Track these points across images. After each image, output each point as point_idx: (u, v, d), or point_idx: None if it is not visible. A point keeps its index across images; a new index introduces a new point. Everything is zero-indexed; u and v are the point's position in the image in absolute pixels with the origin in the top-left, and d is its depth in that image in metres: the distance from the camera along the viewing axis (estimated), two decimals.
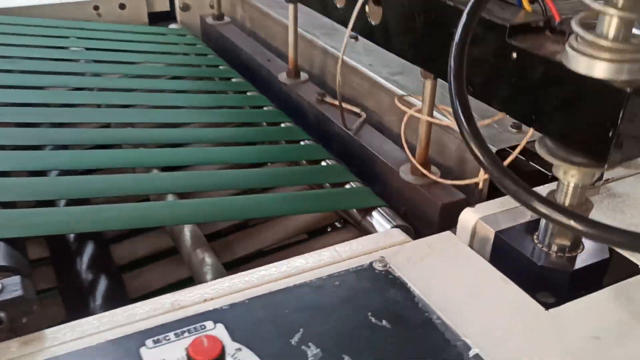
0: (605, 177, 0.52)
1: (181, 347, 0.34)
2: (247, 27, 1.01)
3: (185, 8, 1.04)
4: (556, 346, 0.36)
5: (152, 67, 0.84)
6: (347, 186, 0.59)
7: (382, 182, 0.61)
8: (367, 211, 0.55)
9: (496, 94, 0.44)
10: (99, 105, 0.71)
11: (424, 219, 0.55)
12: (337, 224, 0.61)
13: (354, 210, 0.57)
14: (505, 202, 0.48)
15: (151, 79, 0.80)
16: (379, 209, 0.55)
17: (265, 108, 0.75)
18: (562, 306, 0.39)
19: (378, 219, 0.54)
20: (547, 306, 0.39)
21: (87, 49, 0.84)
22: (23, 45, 0.81)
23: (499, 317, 0.38)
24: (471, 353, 0.34)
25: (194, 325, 0.35)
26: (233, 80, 0.82)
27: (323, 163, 0.63)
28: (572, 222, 0.32)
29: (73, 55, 0.82)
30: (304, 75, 0.80)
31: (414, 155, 0.57)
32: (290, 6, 0.74)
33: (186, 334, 0.35)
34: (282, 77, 0.80)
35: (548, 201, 0.33)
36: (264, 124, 0.71)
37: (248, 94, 0.79)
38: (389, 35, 0.55)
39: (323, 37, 0.82)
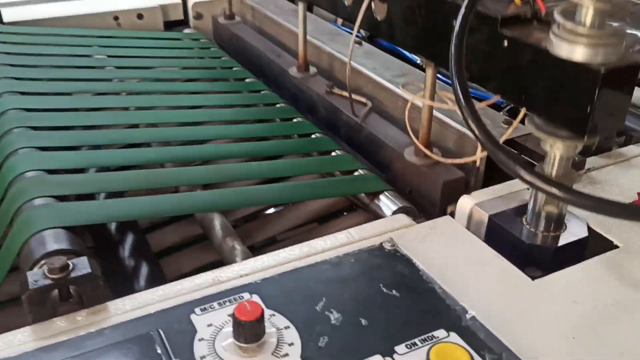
0: (587, 166, 0.59)
1: (224, 314, 0.40)
2: (257, 27, 1.06)
3: (198, 17, 1.11)
4: (540, 309, 0.42)
5: (170, 70, 0.90)
6: (356, 173, 0.65)
7: (389, 164, 0.67)
8: (374, 195, 0.61)
9: (490, 78, 0.50)
10: (126, 108, 0.77)
11: (427, 195, 0.61)
12: (344, 212, 0.67)
13: (363, 194, 0.63)
14: (497, 190, 0.54)
15: (171, 82, 0.86)
16: (385, 192, 0.61)
17: (278, 105, 0.80)
18: (546, 277, 0.45)
19: (385, 202, 0.60)
20: (533, 278, 0.45)
21: (110, 56, 0.90)
22: (51, 55, 0.87)
23: (492, 286, 0.44)
24: (468, 315, 0.41)
25: (233, 296, 0.42)
26: (247, 80, 0.88)
27: (333, 153, 0.69)
28: (553, 189, 0.38)
29: (97, 62, 0.88)
30: (313, 70, 0.85)
31: (417, 139, 0.63)
32: (300, 5, 0.79)
33: (227, 303, 0.41)
34: (293, 71, 0.86)
35: (533, 170, 0.39)
36: (277, 119, 0.77)
37: (262, 92, 0.84)
38: (394, 29, 0.61)
39: (329, 43, 0.88)
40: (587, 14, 0.40)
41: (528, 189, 0.52)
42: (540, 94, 0.45)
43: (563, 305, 0.42)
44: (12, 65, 0.79)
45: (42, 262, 0.44)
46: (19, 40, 0.87)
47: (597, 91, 0.40)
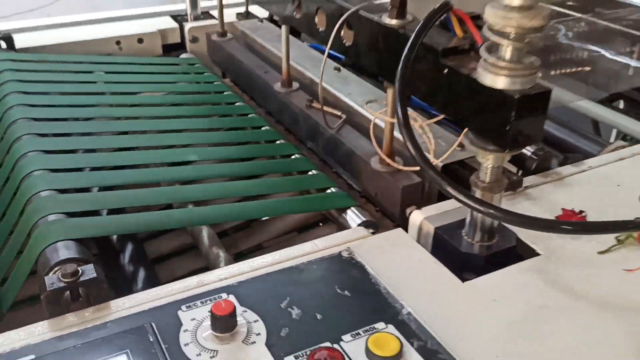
0: (525, 184, 0.68)
1: (205, 310, 0.49)
2: (248, 45, 1.15)
3: (194, 40, 1.20)
4: (464, 306, 0.51)
5: (168, 96, 0.99)
6: (328, 191, 0.74)
7: (357, 171, 0.75)
8: (343, 210, 0.70)
9: (435, 99, 0.59)
10: (125, 132, 0.86)
11: (390, 198, 0.69)
12: (320, 223, 0.76)
13: (334, 209, 0.72)
14: (444, 206, 0.63)
15: (167, 107, 0.95)
16: (352, 208, 0.70)
17: (263, 128, 0.90)
18: (474, 279, 0.54)
19: (351, 216, 0.69)
20: (464, 280, 0.54)
21: (111, 82, 0.99)
22: (61, 82, 0.96)
23: (428, 288, 0.53)
24: (404, 311, 0.50)
25: (213, 296, 0.51)
26: (237, 104, 0.97)
27: (310, 173, 0.78)
28: (466, 200, 0.48)
29: (102, 88, 0.97)
30: (295, 85, 0.94)
31: (381, 149, 0.71)
32: (283, 27, 0.88)
33: (208, 302, 0.50)
34: (277, 86, 0.95)
35: (452, 183, 0.49)
36: (262, 141, 0.86)
37: (249, 116, 0.94)
38: (359, 53, 0.70)
39: (311, 68, 0.97)
40: (507, 51, 0.49)
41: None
42: (471, 114, 0.53)
43: (484, 303, 0.51)
44: (25, 92, 0.88)
45: (56, 268, 0.53)
46: (30, 67, 0.96)
47: (513, 113, 0.49)
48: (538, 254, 0.57)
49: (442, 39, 0.57)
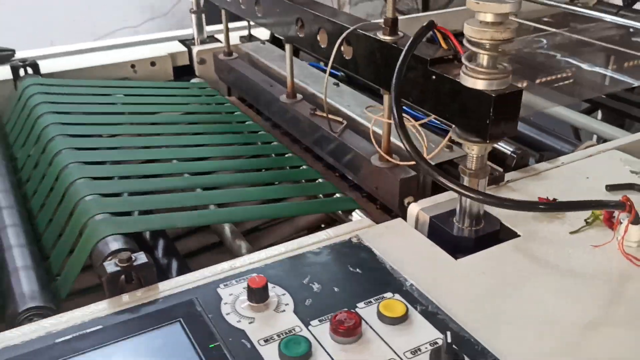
0: (506, 179, 0.78)
1: (240, 287, 0.58)
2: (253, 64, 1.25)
3: (202, 62, 1.30)
4: (458, 278, 0.61)
5: (184, 116, 1.08)
6: (335, 196, 0.84)
7: (359, 168, 0.85)
8: (349, 212, 0.80)
9: (425, 102, 0.68)
10: (148, 147, 0.95)
11: (389, 191, 0.78)
12: (323, 225, 0.85)
13: (340, 212, 0.81)
14: (437, 198, 0.73)
15: (184, 125, 1.05)
16: (356, 210, 0.80)
17: (273, 143, 0.99)
18: (466, 257, 0.64)
19: (356, 217, 0.78)
20: (456, 258, 0.64)
21: (129, 103, 1.08)
22: (83, 103, 1.05)
23: (426, 265, 0.63)
24: (408, 283, 0.59)
25: (245, 276, 0.60)
26: (247, 123, 1.07)
27: (317, 181, 0.88)
28: (455, 187, 0.58)
29: (120, 108, 1.06)
30: (299, 96, 1.04)
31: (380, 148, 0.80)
32: (287, 46, 0.98)
33: (242, 280, 0.60)
34: (283, 98, 1.05)
35: (442, 173, 0.59)
36: (273, 155, 0.96)
37: (259, 133, 1.03)
38: (358, 65, 0.80)
39: (312, 84, 1.07)
40: (483, 59, 0.60)
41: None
42: (457, 112, 0.63)
43: (473, 275, 0.61)
44: (56, 112, 0.97)
45: (110, 257, 0.62)
46: (57, 91, 1.06)
47: (491, 110, 0.59)
48: (518, 235, 0.67)
49: (430, 51, 0.68)
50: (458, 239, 0.67)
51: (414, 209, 0.72)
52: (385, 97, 0.78)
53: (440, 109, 0.66)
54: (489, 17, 0.57)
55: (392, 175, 0.79)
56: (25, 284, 0.65)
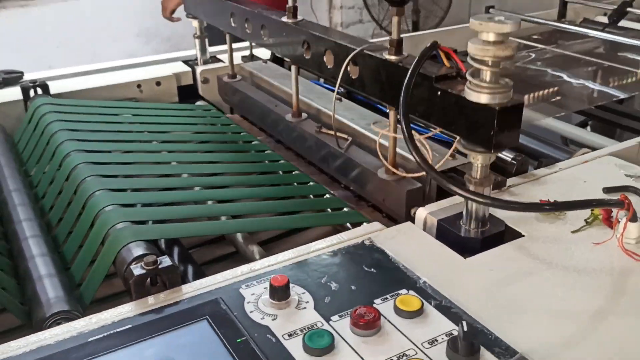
0: (508, 184, 0.81)
1: (261, 287, 0.61)
2: (256, 85, 1.29)
3: (205, 81, 1.34)
4: (467, 275, 0.64)
5: (190, 136, 1.11)
6: (343, 210, 0.86)
7: (367, 182, 0.88)
8: (357, 224, 0.82)
9: (431, 116, 0.72)
10: (159, 163, 0.98)
11: (396, 202, 0.81)
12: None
13: (349, 224, 0.84)
14: (444, 203, 0.76)
15: (192, 144, 1.08)
16: (364, 223, 0.82)
17: (279, 162, 1.02)
18: (473, 256, 0.67)
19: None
20: (465, 257, 0.67)
21: (137, 122, 1.11)
22: (89, 122, 1.07)
23: (437, 263, 0.66)
24: (421, 281, 0.62)
25: (265, 277, 0.63)
26: (253, 142, 1.10)
27: (325, 196, 0.91)
28: (463, 192, 0.61)
29: (129, 127, 1.09)
30: (304, 115, 1.08)
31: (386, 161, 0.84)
32: (293, 67, 1.02)
33: (263, 281, 0.62)
34: (288, 117, 1.08)
35: (451, 181, 0.62)
36: (280, 172, 0.99)
37: (265, 152, 1.06)
38: (364, 84, 0.84)
39: (316, 99, 1.11)
40: (486, 75, 0.63)
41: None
42: (462, 125, 0.67)
43: (483, 272, 0.64)
44: (70, 130, 1.00)
45: (134, 262, 0.64)
46: (68, 110, 1.09)
47: (495, 122, 0.63)
48: (522, 235, 0.70)
49: (434, 69, 0.72)
50: (465, 239, 0.71)
51: (422, 213, 0.75)
52: (391, 113, 0.81)
53: (446, 123, 0.70)
54: (492, 37, 0.61)
55: (399, 187, 0.82)
56: (51, 290, 0.67)
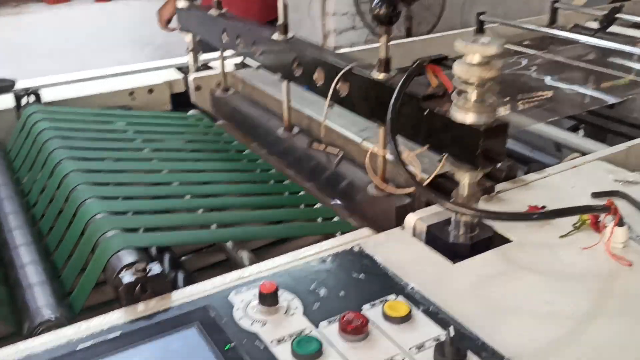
0: (497, 189, 0.82)
1: (251, 294, 0.61)
2: (247, 95, 1.30)
3: (198, 88, 1.34)
4: (455, 280, 0.64)
5: (182, 144, 1.11)
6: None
7: (356, 197, 0.89)
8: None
9: (418, 135, 0.73)
10: (159, 171, 0.97)
11: (386, 218, 0.82)
12: None
13: (339, 233, 0.84)
14: (433, 209, 0.77)
15: (185, 152, 1.08)
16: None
17: (270, 171, 1.02)
18: (462, 261, 0.67)
19: None
20: (454, 262, 0.67)
21: (130, 131, 1.12)
22: (82, 129, 1.07)
23: (426, 269, 0.66)
24: (409, 286, 0.62)
25: (254, 284, 0.63)
26: (245, 152, 1.10)
27: (316, 206, 0.91)
28: (453, 207, 0.62)
29: (123, 135, 1.10)
30: (295, 129, 1.08)
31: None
32: (284, 82, 1.03)
33: (252, 288, 0.62)
34: (280, 131, 1.09)
35: (442, 196, 0.63)
36: (272, 181, 0.99)
37: (257, 161, 1.06)
38: (354, 102, 0.85)
39: (308, 105, 1.12)
40: (472, 95, 0.64)
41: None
42: (449, 144, 0.68)
43: (472, 277, 0.64)
44: (63, 137, 1.00)
45: (124, 270, 0.65)
46: (61, 117, 1.09)
47: (481, 141, 0.63)
48: (511, 241, 0.71)
49: (421, 88, 0.72)
50: (454, 245, 0.71)
51: (411, 218, 0.75)
52: (380, 130, 0.82)
53: (433, 141, 0.71)
54: (477, 59, 0.62)
55: (388, 204, 0.83)
56: (41, 298, 0.67)
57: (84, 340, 0.56)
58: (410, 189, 0.81)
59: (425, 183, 0.77)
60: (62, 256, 0.76)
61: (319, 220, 0.87)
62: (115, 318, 0.60)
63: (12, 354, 0.55)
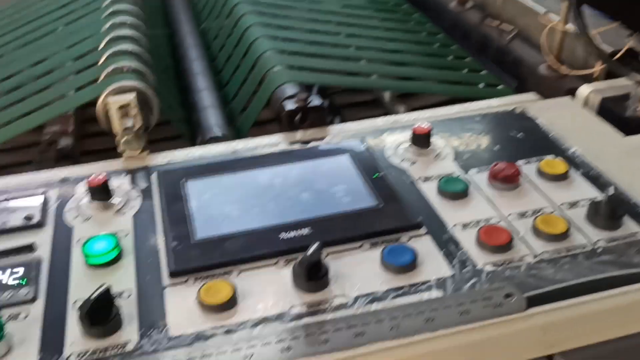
0: None
1: (402, 136, 0.62)
2: None
3: None
4: (626, 153, 0.59)
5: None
6: (498, 87, 0.82)
7: (527, 77, 0.84)
8: None
9: (608, 7, 0.66)
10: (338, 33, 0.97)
11: None
12: None
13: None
14: (609, 83, 0.70)
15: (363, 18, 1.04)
16: None
17: (438, 35, 0.98)
18: (635, 135, 0.62)
19: None
20: (626, 134, 0.62)
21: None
22: None
23: (593, 137, 0.62)
24: (571, 150, 0.59)
25: (409, 129, 0.64)
26: (413, 15, 1.06)
27: (481, 72, 0.86)
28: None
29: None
30: (469, 4, 1.03)
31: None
32: None
33: (405, 131, 0.63)
34: (452, 4, 1.04)
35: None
36: (438, 44, 0.95)
37: (426, 24, 1.03)
38: None
39: None
40: None
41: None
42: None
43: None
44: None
45: (287, 99, 0.68)
46: None
47: None
48: None
49: None
50: (630, 119, 0.65)
51: (585, 89, 0.70)
52: (563, 5, 0.74)
53: (626, 13, 0.63)
54: None
55: (560, 85, 0.76)
56: (213, 118, 0.74)
57: (247, 152, 0.61)
58: (586, 71, 0.74)
59: (617, 57, 0.70)
60: (234, 87, 0.82)
61: (481, 85, 0.84)
62: (275, 140, 0.64)
63: (188, 155, 0.62)
